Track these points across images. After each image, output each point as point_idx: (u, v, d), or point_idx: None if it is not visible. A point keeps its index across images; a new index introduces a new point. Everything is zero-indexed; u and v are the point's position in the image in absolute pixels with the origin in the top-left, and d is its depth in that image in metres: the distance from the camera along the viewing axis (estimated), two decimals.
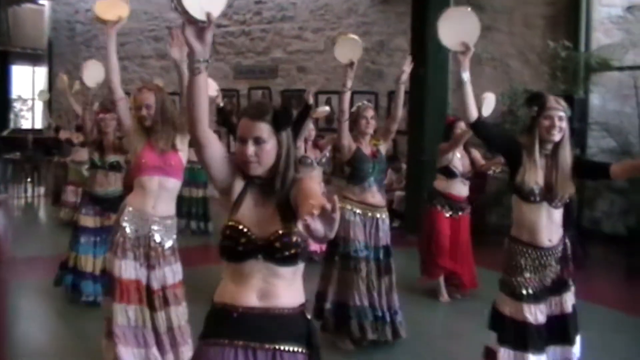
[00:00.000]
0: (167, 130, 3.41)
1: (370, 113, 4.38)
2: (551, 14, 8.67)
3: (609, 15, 8.38)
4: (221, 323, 1.92)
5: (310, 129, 6.40)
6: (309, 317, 2.00)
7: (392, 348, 4.34)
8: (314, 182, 1.96)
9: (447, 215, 5.50)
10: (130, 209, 3.42)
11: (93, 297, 4.99)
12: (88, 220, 5.14)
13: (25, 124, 15.75)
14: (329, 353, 3.81)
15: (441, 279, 5.60)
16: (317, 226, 1.49)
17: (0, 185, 11.73)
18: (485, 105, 4.66)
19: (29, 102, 15.95)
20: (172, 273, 3.44)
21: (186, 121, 2.19)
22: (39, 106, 15.40)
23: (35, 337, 4.55)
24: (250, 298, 1.89)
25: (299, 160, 6.16)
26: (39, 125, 15.52)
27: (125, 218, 3.40)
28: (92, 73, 5.31)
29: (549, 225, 3.06)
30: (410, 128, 8.48)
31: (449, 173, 5.48)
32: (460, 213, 5.53)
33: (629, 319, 5.34)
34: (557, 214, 3.08)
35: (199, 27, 1.73)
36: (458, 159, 5.48)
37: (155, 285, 3.38)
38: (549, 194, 3.02)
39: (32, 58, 15.32)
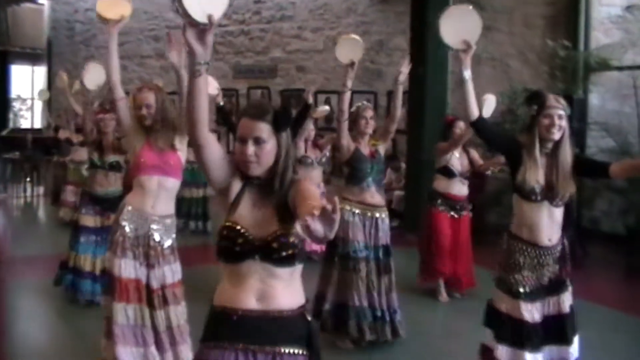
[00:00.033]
0: (166, 130, 3.42)
1: (369, 113, 4.38)
2: (551, 14, 8.66)
3: (609, 14, 8.38)
4: (221, 326, 1.92)
5: (310, 129, 6.40)
6: (309, 318, 1.99)
7: (391, 347, 4.34)
8: (311, 184, 1.96)
9: (448, 215, 5.50)
10: (130, 208, 3.42)
11: (92, 297, 4.99)
12: (88, 219, 5.15)
13: (25, 124, 15.76)
14: (329, 352, 3.79)
15: (440, 280, 5.60)
16: (317, 227, 1.49)
17: None
18: (485, 106, 4.66)
19: (28, 102, 15.95)
20: (171, 272, 3.45)
21: (185, 122, 2.18)
22: (39, 106, 15.39)
23: (35, 337, 4.56)
24: (249, 300, 1.89)
25: (299, 160, 6.20)
26: (38, 124, 15.51)
27: (125, 217, 3.40)
28: (93, 76, 5.32)
29: (550, 224, 3.06)
30: (410, 127, 8.47)
31: (448, 173, 5.47)
32: (460, 213, 5.53)
33: (628, 318, 5.34)
34: (558, 212, 3.08)
35: (200, 29, 1.72)
36: (456, 159, 5.48)
37: (155, 284, 3.39)
38: (550, 193, 3.02)
39: (31, 57, 15.30)
